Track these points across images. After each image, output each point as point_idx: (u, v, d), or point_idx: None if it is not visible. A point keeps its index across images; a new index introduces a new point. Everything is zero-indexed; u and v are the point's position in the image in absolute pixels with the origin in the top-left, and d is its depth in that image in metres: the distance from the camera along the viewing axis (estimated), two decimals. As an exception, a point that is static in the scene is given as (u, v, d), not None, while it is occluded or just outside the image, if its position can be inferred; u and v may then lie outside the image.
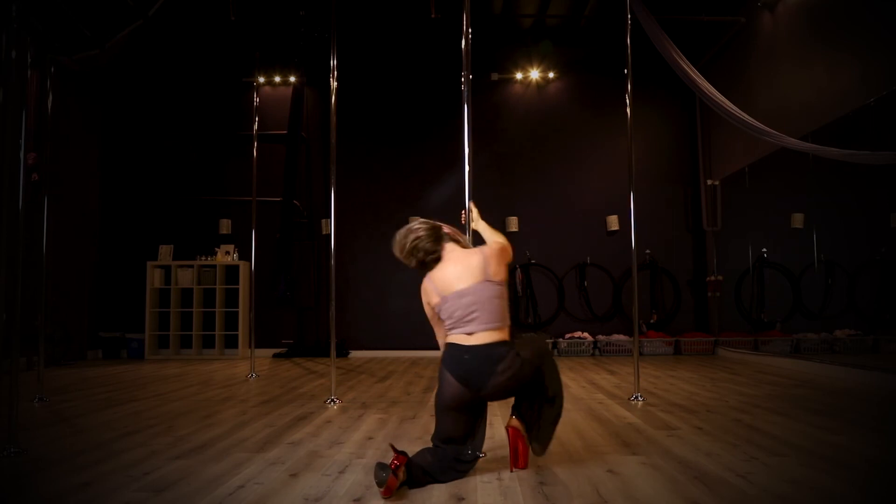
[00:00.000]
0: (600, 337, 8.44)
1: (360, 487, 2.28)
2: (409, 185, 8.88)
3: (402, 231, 2.62)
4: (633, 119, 4.75)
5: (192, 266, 8.61)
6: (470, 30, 3.27)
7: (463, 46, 3.25)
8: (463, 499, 2.15)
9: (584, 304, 8.70)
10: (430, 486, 2.29)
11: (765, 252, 7.40)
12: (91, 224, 8.71)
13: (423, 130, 8.99)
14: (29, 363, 6.58)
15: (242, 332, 8.41)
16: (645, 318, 8.50)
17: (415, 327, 8.37)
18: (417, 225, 2.62)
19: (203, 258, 8.66)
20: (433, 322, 2.63)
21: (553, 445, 2.93)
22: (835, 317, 6.26)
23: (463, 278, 2.49)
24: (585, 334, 8.42)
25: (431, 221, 2.63)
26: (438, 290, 2.51)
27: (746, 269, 7.70)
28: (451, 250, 2.58)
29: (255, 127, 6.76)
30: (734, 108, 5.52)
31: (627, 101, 4.72)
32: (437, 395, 2.50)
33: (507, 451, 2.71)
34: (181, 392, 4.96)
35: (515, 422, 2.51)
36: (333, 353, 4.51)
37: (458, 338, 2.45)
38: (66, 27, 5.62)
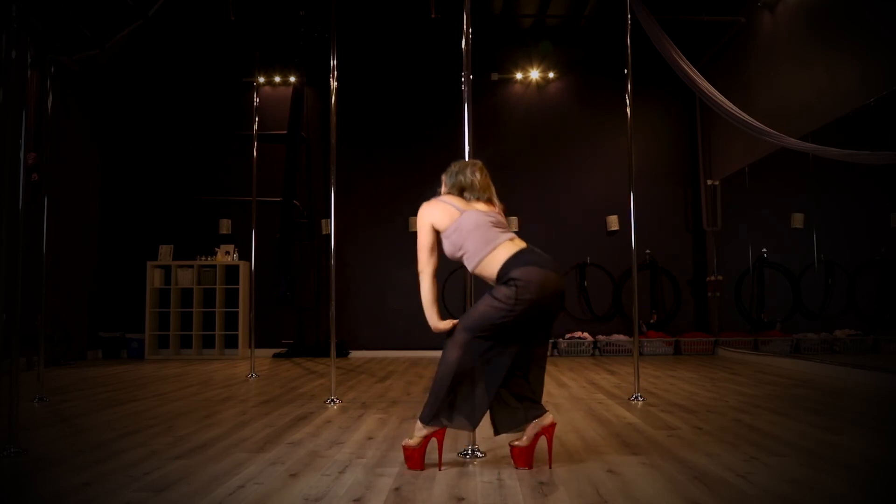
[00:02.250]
0: (600, 337, 8.44)
1: (360, 487, 2.28)
2: (409, 184, 8.87)
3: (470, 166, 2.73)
4: (633, 119, 4.75)
5: (192, 266, 8.61)
6: (470, 30, 3.27)
7: (463, 46, 3.25)
8: (463, 499, 2.15)
9: (584, 304, 8.70)
10: (430, 486, 2.29)
11: (765, 252, 7.40)
12: (91, 224, 8.71)
13: (423, 130, 8.98)
14: (29, 363, 6.58)
15: (242, 332, 8.41)
16: (645, 318, 8.49)
17: (415, 327, 8.38)
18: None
19: (203, 258, 8.66)
20: (426, 251, 2.62)
21: (553, 445, 2.93)
22: (835, 317, 6.26)
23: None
24: (585, 334, 8.42)
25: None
26: (459, 207, 2.60)
27: (746, 269, 7.70)
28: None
29: (255, 127, 6.76)
30: (734, 108, 5.52)
31: (627, 101, 4.72)
32: (509, 304, 2.44)
33: (507, 451, 2.71)
34: (181, 392, 4.96)
35: (552, 417, 2.58)
36: (333, 353, 4.51)
37: (508, 246, 2.53)
38: (66, 27, 5.62)
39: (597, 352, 8.41)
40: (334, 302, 4.56)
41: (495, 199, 2.73)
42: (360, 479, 2.38)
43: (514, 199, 8.83)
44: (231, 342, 8.64)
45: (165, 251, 8.69)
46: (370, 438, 3.15)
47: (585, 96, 9.07)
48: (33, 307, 5.25)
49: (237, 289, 8.53)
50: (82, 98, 8.39)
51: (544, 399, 4.46)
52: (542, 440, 2.58)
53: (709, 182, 8.61)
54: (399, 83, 9.11)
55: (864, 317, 6.02)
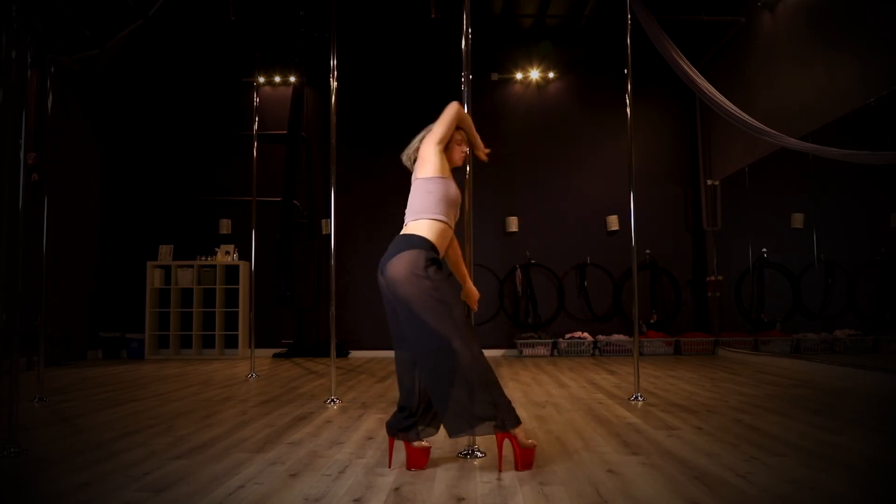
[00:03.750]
0: (600, 337, 8.44)
1: (360, 487, 2.28)
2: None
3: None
4: (634, 119, 4.75)
5: (192, 266, 8.61)
6: (470, 30, 3.28)
7: (463, 46, 3.25)
8: (463, 499, 2.15)
9: (584, 304, 8.70)
10: (430, 486, 2.29)
11: (765, 252, 7.40)
12: (91, 224, 8.71)
13: (423, 130, 8.98)
14: (29, 363, 6.58)
15: (242, 332, 8.40)
16: (645, 318, 8.49)
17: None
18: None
19: (203, 258, 8.66)
20: None
21: (553, 445, 2.93)
22: (835, 317, 6.26)
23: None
24: (585, 334, 8.41)
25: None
26: None
27: (746, 269, 7.70)
28: None
29: (255, 127, 6.75)
30: (734, 108, 5.52)
31: (627, 101, 4.72)
32: None
33: (507, 451, 2.71)
34: (181, 392, 4.96)
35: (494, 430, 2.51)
36: (333, 353, 4.51)
37: None
38: (66, 27, 5.62)
39: (597, 352, 8.41)
40: (334, 302, 4.56)
41: (422, 167, 2.95)
42: (360, 479, 2.38)
43: (514, 199, 8.83)
44: (231, 342, 8.64)
45: (165, 251, 8.69)
46: (370, 438, 3.15)
47: (585, 96, 9.07)
48: (33, 307, 5.25)
49: (237, 289, 8.52)
50: (82, 98, 8.38)
51: (545, 399, 4.48)
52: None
53: (709, 182, 8.61)
54: (399, 83, 9.11)
55: (864, 317, 6.02)
